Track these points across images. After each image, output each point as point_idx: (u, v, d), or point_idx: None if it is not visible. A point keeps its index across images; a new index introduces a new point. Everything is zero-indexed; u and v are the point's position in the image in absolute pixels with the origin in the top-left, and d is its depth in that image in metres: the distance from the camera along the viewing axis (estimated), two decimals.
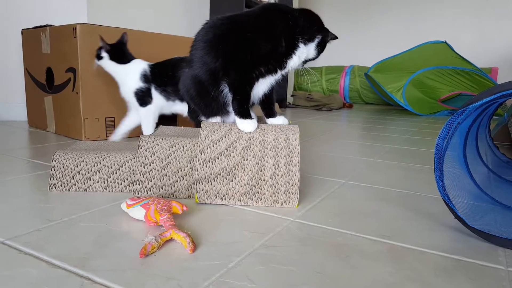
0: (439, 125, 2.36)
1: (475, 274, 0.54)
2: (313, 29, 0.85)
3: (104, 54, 1.24)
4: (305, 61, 0.90)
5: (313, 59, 0.90)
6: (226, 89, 0.83)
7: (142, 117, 1.28)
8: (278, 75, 0.85)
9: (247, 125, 0.80)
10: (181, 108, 1.29)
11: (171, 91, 1.25)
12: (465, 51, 3.80)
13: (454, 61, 3.03)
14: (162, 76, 1.25)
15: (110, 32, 1.42)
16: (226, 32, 0.82)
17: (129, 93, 1.25)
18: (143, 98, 1.25)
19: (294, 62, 0.84)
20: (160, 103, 1.27)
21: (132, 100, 1.26)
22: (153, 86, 1.25)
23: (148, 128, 1.28)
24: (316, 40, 0.86)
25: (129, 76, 1.24)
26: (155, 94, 1.25)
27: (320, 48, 0.88)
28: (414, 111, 2.93)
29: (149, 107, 1.26)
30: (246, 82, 0.82)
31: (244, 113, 0.81)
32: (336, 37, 0.90)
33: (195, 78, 0.87)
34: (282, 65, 0.84)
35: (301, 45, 0.84)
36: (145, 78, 1.24)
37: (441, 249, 0.62)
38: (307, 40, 0.84)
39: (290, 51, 0.83)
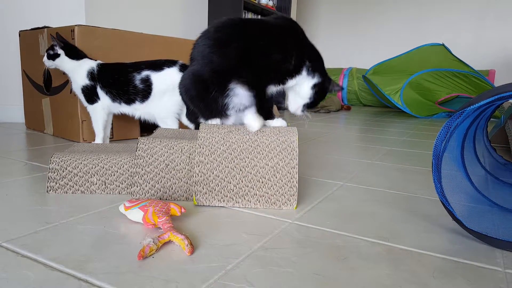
0: (436, 127, 2.36)
1: (473, 276, 0.54)
2: (316, 63, 0.87)
3: (60, 51, 1.27)
4: (304, 106, 0.90)
5: (309, 103, 0.90)
6: (232, 91, 0.84)
7: (90, 114, 1.31)
8: (279, 87, 0.86)
9: (255, 122, 0.81)
10: (128, 110, 1.30)
11: (115, 93, 1.27)
12: (463, 53, 3.82)
13: (452, 64, 3.04)
14: (108, 77, 1.27)
15: (108, 33, 1.42)
16: (242, 32, 0.83)
17: (77, 89, 1.28)
18: (89, 95, 1.27)
19: (291, 83, 0.86)
20: (106, 103, 1.29)
21: (80, 97, 1.30)
22: (99, 85, 1.27)
23: (97, 126, 1.31)
24: (315, 79, 0.86)
25: (79, 73, 1.27)
26: (101, 93, 1.27)
27: (317, 91, 0.87)
28: (412, 113, 2.94)
29: (95, 105, 1.28)
30: (260, 82, 0.82)
31: (258, 111, 0.82)
32: (341, 88, 0.90)
33: (197, 77, 0.86)
34: (284, 81, 0.85)
35: (304, 72, 0.86)
36: (91, 76, 1.27)
37: (439, 250, 0.62)
38: (309, 68, 0.86)
39: (294, 71, 0.84)
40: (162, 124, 1.31)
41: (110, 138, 1.39)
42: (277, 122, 0.88)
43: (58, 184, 0.83)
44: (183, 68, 1.28)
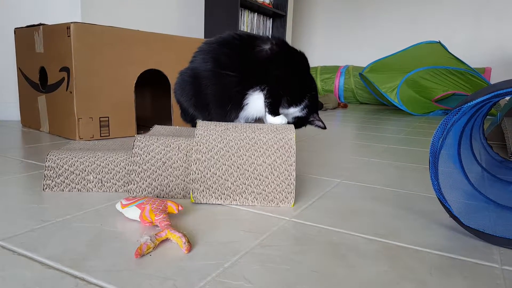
0: (433, 124, 2.37)
1: (470, 272, 0.54)
2: (313, 95, 0.94)
3: None
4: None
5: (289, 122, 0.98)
6: (249, 99, 0.87)
7: None
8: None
9: (277, 120, 0.89)
10: None
11: None
12: (459, 51, 3.83)
13: (448, 61, 3.05)
14: None
15: (104, 31, 1.41)
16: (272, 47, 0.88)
17: None
18: None
19: (291, 111, 0.92)
20: None
21: None
22: None
23: None
24: (303, 112, 0.94)
25: None
26: None
27: (301, 122, 0.96)
28: (408, 111, 2.94)
29: None
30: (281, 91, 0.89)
31: (276, 113, 0.89)
32: (325, 127, 0.98)
33: (202, 87, 0.88)
34: (290, 103, 0.91)
35: (304, 101, 0.92)
36: None
37: (436, 247, 0.62)
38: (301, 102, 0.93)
39: (299, 99, 0.92)
40: None
41: (106, 136, 1.39)
42: (278, 119, 0.88)
43: (54, 182, 0.83)
44: None
